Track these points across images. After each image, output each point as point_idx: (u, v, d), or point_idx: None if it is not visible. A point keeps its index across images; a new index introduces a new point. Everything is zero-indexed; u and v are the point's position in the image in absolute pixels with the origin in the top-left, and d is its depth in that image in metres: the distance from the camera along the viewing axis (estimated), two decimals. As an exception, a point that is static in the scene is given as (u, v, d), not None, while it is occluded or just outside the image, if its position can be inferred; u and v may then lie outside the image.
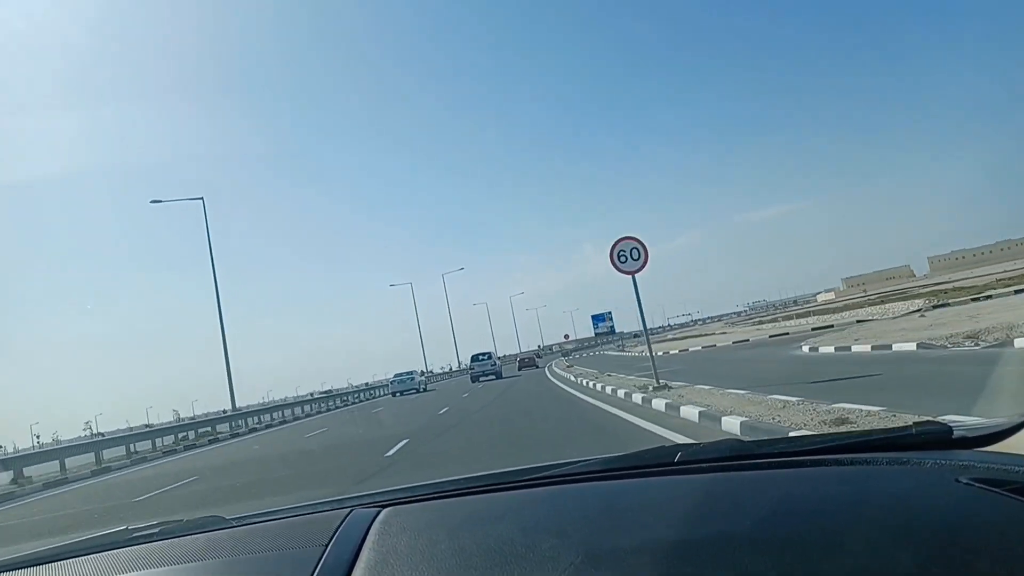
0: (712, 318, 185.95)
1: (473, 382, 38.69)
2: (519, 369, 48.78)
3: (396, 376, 43.39)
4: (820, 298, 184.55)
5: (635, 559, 0.84)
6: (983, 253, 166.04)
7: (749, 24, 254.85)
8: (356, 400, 46.58)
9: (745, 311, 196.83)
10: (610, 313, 46.86)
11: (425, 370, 62.92)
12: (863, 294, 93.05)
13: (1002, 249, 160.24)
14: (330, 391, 62.03)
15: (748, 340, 29.41)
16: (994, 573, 0.75)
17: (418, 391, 40.24)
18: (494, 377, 39.26)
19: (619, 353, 44.11)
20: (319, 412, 38.08)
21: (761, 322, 55.90)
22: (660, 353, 25.37)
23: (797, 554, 0.82)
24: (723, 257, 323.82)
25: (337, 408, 40.54)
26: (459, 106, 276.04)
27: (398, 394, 40.60)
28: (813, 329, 28.00)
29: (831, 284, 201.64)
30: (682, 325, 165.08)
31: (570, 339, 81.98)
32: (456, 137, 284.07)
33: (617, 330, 49.87)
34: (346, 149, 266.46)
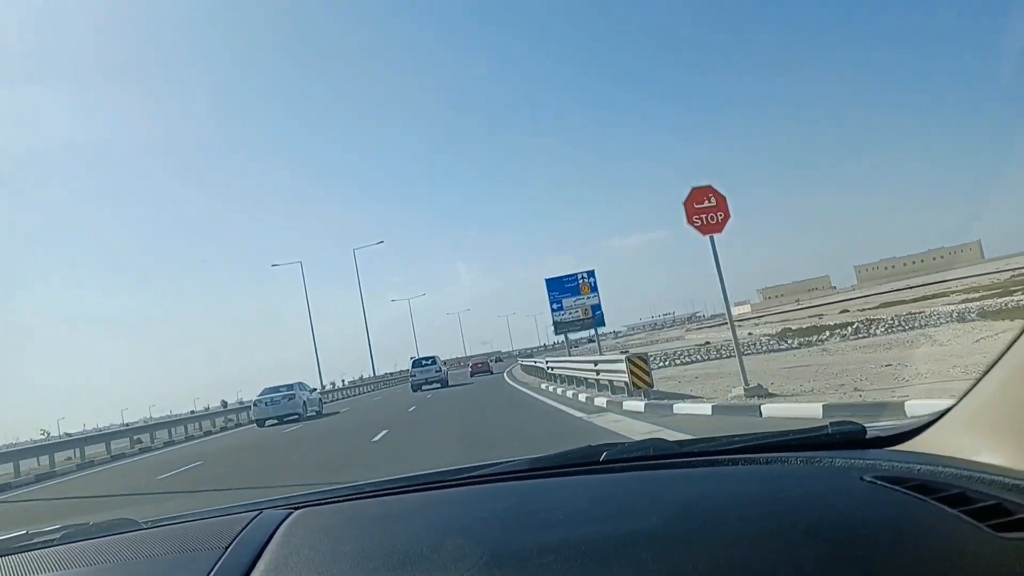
0: (617, 332, 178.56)
1: (414, 391, 33.85)
2: (471, 375, 44.96)
3: (264, 393, 26.15)
4: (735, 312, 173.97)
5: (540, 558, 0.84)
6: (913, 262, 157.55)
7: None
8: (175, 439, 26.44)
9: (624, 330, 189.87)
10: (591, 274, 22.59)
11: (321, 384, 47.08)
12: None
13: (934, 258, 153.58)
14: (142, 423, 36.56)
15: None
16: (889, 568, 0.77)
17: (300, 417, 25.45)
18: (439, 385, 34.74)
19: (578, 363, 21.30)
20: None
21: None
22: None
23: (704, 550, 0.83)
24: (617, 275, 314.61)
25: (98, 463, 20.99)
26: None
27: (264, 422, 25.79)
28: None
29: (751, 296, 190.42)
30: (580, 339, 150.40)
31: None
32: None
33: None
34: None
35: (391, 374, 76.24)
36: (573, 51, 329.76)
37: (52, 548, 1.18)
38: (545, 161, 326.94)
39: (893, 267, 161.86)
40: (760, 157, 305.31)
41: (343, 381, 62.86)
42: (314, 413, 27.10)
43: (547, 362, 23.50)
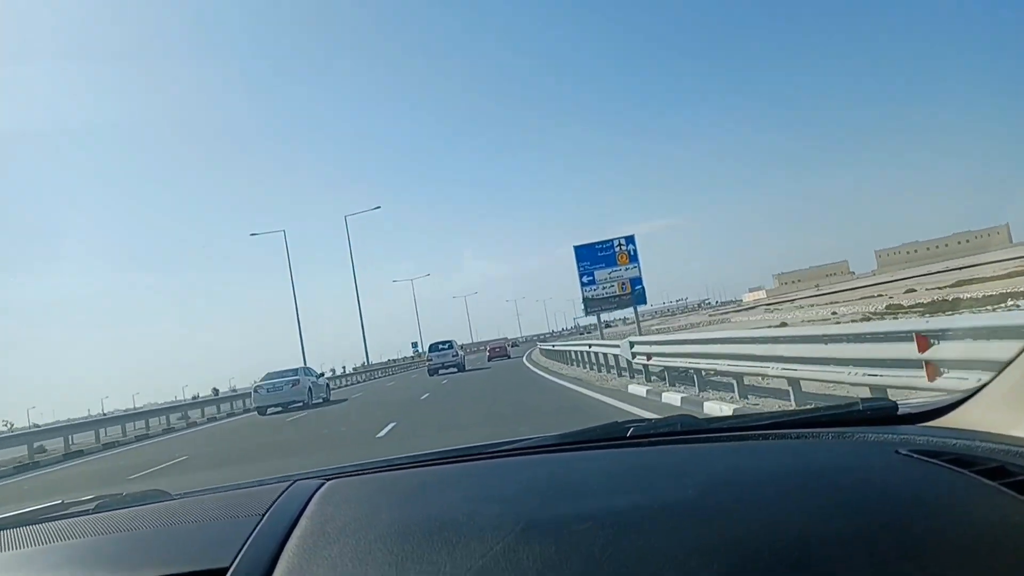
0: (624, 319, 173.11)
1: (431, 375, 32.52)
2: (488, 360, 44.42)
3: (266, 379, 23.81)
4: (747, 297, 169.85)
5: (577, 526, 0.84)
6: (937, 247, 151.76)
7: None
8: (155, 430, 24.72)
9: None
10: (630, 240, 18.31)
11: (325, 367, 45.70)
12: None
13: (959, 242, 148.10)
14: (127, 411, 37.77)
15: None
16: (928, 538, 0.77)
17: (305, 404, 23.18)
18: (455, 370, 33.43)
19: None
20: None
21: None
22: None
23: (737, 521, 0.83)
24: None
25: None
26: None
27: (266, 410, 23.28)
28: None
29: (766, 282, 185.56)
30: (592, 326, 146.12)
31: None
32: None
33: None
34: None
35: (394, 361, 74.63)
36: (596, 29, 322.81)
37: (88, 516, 1.23)
38: (550, 147, 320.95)
39: (916, 251, 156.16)
40: (777, 139, 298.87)
41: (344, 368, 58.77)
42: (321, 400, 24.73)
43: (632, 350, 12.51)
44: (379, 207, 61.34)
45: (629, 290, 20.66)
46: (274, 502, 1.05)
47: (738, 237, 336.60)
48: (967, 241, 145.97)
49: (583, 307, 21.63)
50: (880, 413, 1.22)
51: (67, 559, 1.01)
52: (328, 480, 1.17)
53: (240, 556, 0.87)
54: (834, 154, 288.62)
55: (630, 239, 20.73)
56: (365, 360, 51.56)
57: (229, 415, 28.40)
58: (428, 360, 35.82)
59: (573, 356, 21.02)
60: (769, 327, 18.08)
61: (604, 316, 22.55)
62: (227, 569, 0.85)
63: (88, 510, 1.28)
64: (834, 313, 26.54)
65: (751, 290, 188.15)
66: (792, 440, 1.15)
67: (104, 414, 48.38)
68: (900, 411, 1.21)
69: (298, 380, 23.35)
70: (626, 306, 21.31)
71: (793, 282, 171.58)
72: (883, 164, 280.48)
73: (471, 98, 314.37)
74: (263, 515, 1.00)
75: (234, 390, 54.91)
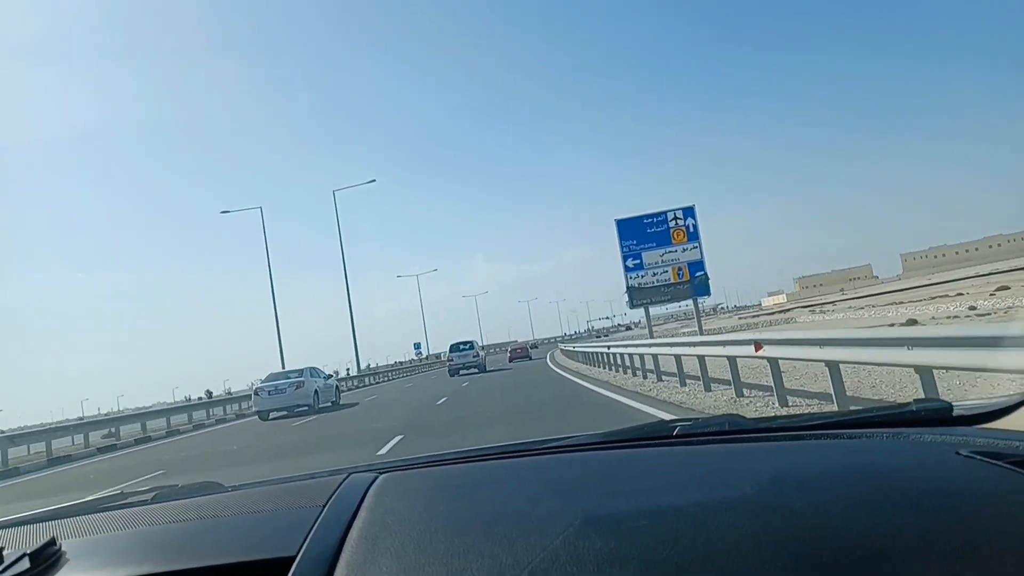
0: (635, 323, 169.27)
1: (451, 376, 32.21)
2: (510, 361, 43.23)
3: (268, 380, 21.25)
4: (767, 302, 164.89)
5: (634, 522, 0.84)
6: (966, 251, 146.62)
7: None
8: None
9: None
10: (690, 212, 13.99)
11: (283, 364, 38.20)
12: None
13: (989, 246, 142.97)
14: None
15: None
16: (995, 541, 0.76)
17: (311, 408, 20.34)
18: (476, 371, 32.90)
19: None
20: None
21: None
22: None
23: (798, 519, 0.82)
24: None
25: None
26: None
27: (268, 415, 20.50)
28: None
29: (787, 286, 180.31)
30: (606, 328, 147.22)
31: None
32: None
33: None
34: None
35: (400, 363, 74.92)
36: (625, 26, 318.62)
37: (146, 507, 1.26)
38: (551, 148, 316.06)
39: (944, 255, 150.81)
40: (799, 139, 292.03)
41: (348, 371, 54.83)
42: (329, 404, 22.08)
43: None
44: (374, 180, 54.91)
45: (687, 277, 16.36)
46: (332, 494, 1.07)
47: (748, 241, 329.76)
48: (998, 245, 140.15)
49: (627, 298, 17.46)
50: (935, 414, 1.20)
51: (130, 547, 1.03)
52: (381, 473, 1.18)
53: (306, 544, 0.88)
54: (853, 153, 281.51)
55: (689, 211, 16.77)
56: (356, 364, 47.99)
57: (220, 421, 25.56)
58: (449, 360, 35.75)
59: (604, 359, 16.91)
60: (894, 325, 13.54)
61: (662, 309, 18.11)
62: (295, 557, 0.86)
63: (146, 500, 1.32)
64: (972, 308, 21.84)
65: (770, 294, 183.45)
66: (847, 440, 1.12)
67: (82, 418, 44.50)
68: (955, 412, 1.19)
69: (303, 382, 20.52)
70: (682, 298, 17.03)
71: (815, 286, 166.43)
72: (906, 163, 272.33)
73: (467, 102, 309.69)
74: (324, 506, 1.01)
75: (229, 392, 51.13)
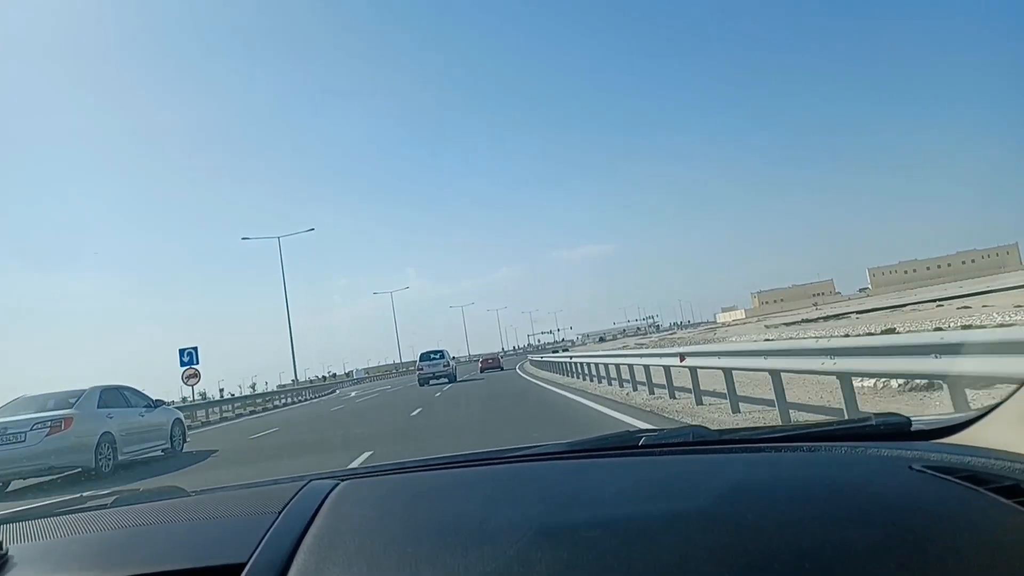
0: (585, 335, 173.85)
1: (421, 385, 32.54)
2: (481, 371, 44.57)
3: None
4: (722, 317, 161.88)
5: (589, 532, 0.84)
6: (939, 266, 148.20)
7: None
8: None
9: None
10: None
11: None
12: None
13: (963, 262, 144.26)
14: None
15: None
16: (941, 555, 0.76)
17: (88, 469, 10.83)
18: (447, 381, 33.19)
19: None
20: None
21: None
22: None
23: (751, 530, 0.83)
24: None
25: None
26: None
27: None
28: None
29: (743, 302, 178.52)
30: (551, 343, 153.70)
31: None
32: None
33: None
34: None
35: (367, 370, 74.69)
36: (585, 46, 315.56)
37: (105, 511, 1.25)
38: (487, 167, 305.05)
39: (914, 271, 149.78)
40: (759, 153, 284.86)
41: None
42: (141, 456, 11.63)
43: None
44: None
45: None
46: (290, 501, 1.06)
47: (694, 259, 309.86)
48: (972, 261, 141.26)
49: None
50: (893, 428, 1.22)
51: (86, 552, 1.02)
52: (342, 481, 1.18)
53: (257, 552, 0.88)
54: (817, 169, 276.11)
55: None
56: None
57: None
58: (419, 369, 35.42)
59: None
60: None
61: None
62: (244, 564, 0.85)
63: (105, 504, 1.30)
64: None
65: (724, 310, 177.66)
66: (805, 453, 1.15)
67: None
68: (913, 427, 1.21)
69: (59, 421, 10.16)
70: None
71: (775, 301, 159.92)
72: (865, 177, 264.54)
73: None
74: (279, 513, 1.01)
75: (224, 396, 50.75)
